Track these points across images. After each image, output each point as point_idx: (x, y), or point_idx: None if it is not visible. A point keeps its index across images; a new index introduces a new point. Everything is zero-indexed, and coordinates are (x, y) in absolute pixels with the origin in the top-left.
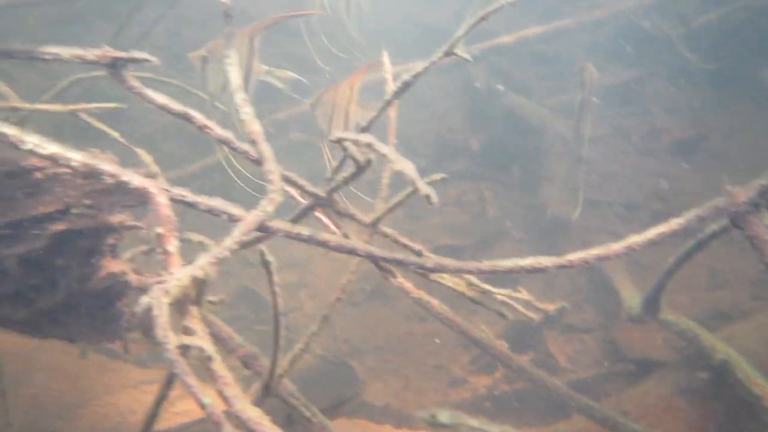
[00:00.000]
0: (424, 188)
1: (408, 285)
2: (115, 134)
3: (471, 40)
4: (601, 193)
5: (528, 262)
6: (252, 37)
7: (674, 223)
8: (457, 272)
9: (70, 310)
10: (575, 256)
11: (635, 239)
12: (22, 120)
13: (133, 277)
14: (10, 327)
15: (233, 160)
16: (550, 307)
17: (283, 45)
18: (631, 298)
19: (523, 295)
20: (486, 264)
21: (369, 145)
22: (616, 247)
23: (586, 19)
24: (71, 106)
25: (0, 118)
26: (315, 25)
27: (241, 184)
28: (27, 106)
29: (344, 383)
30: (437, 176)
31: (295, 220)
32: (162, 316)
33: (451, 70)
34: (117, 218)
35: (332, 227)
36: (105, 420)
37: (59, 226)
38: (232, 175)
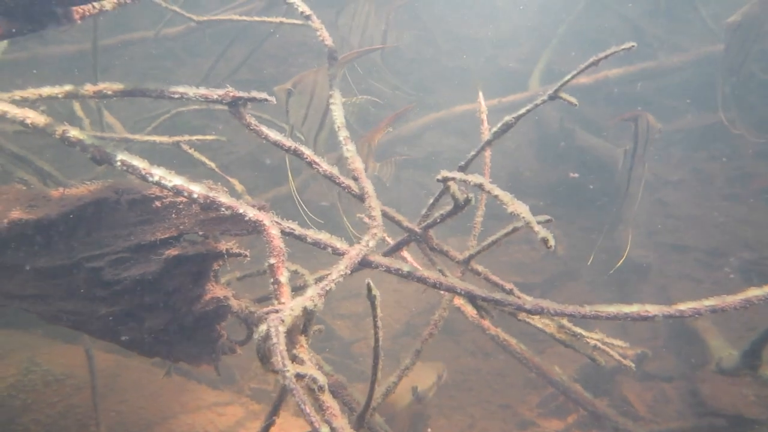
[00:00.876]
0: (542, 232)
1: (485, 322)
2: (212, 164)
3: (546, 80)
4: (682, 238)
5: (634, 309)
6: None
7: None
8: (556, 315)
9: (175, 331)
10: (686, 306)
11: (755, 293)
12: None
13: (233, 302)
14: (120, 344)
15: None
16: (630, 353)
17: (357, 81)
18: (721, 348)
19: (616, 341)
20: (587, 308)
21: (480, 186)
22: (732, 299)
23: (668, 63)
24: (175, 138)
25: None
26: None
27: (303, 214)
28: (137, 137)
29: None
30: (543, 217)
31: (389, 254)
32: (281, 344)
33: (524, 106)
34: (224, 245)
35: (415, 264)
36: None
37: (173, 252)
38: (299, 205)
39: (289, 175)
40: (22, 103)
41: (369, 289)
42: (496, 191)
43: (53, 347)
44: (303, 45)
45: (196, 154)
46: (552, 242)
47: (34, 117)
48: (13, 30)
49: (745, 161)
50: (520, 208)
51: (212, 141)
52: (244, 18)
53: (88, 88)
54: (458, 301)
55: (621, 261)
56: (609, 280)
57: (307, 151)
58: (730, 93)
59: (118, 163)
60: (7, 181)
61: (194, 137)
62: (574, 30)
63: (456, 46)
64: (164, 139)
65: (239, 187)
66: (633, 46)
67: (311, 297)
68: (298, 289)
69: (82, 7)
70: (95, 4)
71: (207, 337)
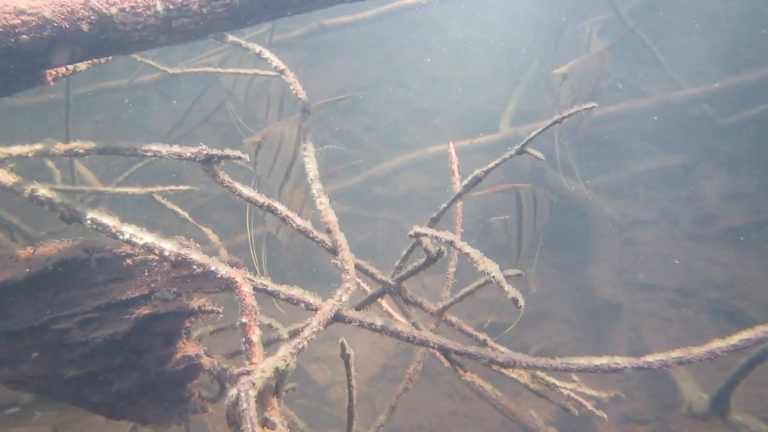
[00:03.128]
0: (512, 292)
1: (461, 369)
2: (185, 214)
3: (517, 121)
4: (650, 277)
5: (604, 361)
6: (300, 122)
7: (760, 331)
8: (529, 368)
9: (144, 392)
10: (654, 358)
11: (718, 344)
12: (95, 201)
13: (205, 360)
14: (86, 407)
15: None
16: (604, 395)
17: (330, 123)
18: (692, 391)
19: (589, 390)
20: (558, 361)
21: (451, 243)
22: (698, 351)
23: (634, 107)
24: (148, 189)
25: (78, 200)
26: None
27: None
28: (109, 189)
29: None
30: (513, 272)
31: (361, 307)
32: (251, 410)
33: (495, 148)
34: (196, 303)
35: (396, 316)
36: None
37: (144, 310)
38: (252, 251)
39: (249, 229)
40: None
41: (343, 348)
42: (467, 249)
43: None
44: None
45: (169, 204)
46: (522, 303)
47: (2, 176)
48: None
49: (708, 202)
50: (490, 266)
51: (184, 184)
52: (218, 70)
53: (59, 147)
54: (434, 348)
55: (515, 323)
56: (582, 318)
57: (281, 207)
58: (567, 145)
59: (88, 222)
60: None
61: (167, 187)
62: (543, 73)
63: (428, 87)
64: (137, 190)
65: (213, 237)
66: (594, 106)
67: (283, 357)
68: (272, 342)
69: (55, 69)
70: (69, 66)
71: (178, 396)
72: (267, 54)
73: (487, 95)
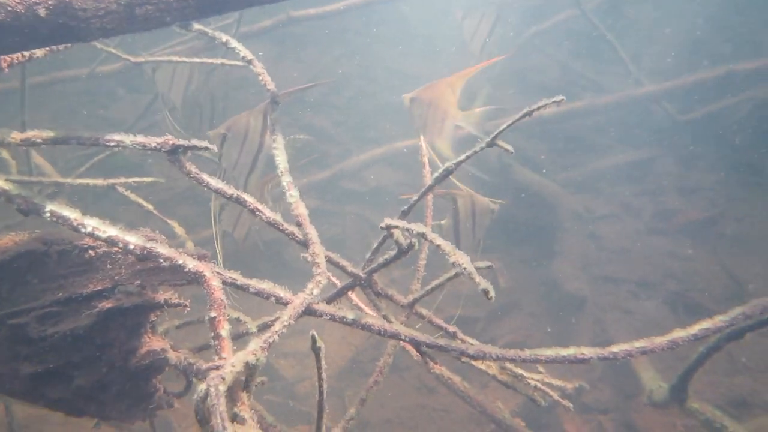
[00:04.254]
0: (483, 283)
1: (430, 361)
2: (149, 206)
3: (485, 115)
4: (613, 270)
5: (570, 352)
6: (265, 113)
7: (718, 320)
8: (498, 360)
9: (107, 388)
10: (619, 348)
11: (679, 334)
12: (54, 193)
13: (171, 354)
14: (44, 404)
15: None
16: (569, 386)
17: (299, 117)
18: (652, 380)
19: (555, 381)
20: (527, 353)
21: (422, 236)
22: (660, 340)
23: (597, 103)
24: (111, 180)
25: (36, 191)
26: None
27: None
28: (69, 180)
29: None
30: (483, 264)
31: (332, 300)
32: (220, 405)
33: (462, 142)
34: (162, 296)
35: (366, 309)
36: None
37: (107, 304)
38: (217, 245)
39: (214, 223)
40: None
41: (313, 341)
42: (438, 241)
43: None
44: (244, 80)
45: (133, 196)
46: (492, 294)
47: None
48: None
49: (668, 197)
50: (461, 258)
51: (148, 176)
52: (184, 60)
53: (15, 136)
54: (405, 341)
55: (456, 317)
56: (548, 311)
57: (250, 199)
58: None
59: (48, 215)
60: None
61: (131, 179)
62: (511, 69)
63: (396, 82)
64: (99, 182)
65: (179, 230)
66: (562, 99)
67: (253, 351)
68: (240, 336)
69: (10, 56)
70: (24, 53)
71: (142, 392)
72: (234, 44)
73: None
